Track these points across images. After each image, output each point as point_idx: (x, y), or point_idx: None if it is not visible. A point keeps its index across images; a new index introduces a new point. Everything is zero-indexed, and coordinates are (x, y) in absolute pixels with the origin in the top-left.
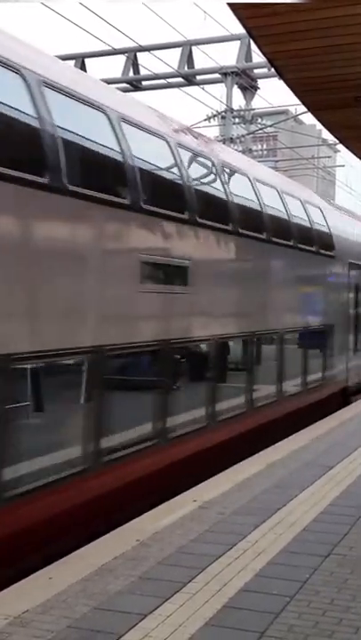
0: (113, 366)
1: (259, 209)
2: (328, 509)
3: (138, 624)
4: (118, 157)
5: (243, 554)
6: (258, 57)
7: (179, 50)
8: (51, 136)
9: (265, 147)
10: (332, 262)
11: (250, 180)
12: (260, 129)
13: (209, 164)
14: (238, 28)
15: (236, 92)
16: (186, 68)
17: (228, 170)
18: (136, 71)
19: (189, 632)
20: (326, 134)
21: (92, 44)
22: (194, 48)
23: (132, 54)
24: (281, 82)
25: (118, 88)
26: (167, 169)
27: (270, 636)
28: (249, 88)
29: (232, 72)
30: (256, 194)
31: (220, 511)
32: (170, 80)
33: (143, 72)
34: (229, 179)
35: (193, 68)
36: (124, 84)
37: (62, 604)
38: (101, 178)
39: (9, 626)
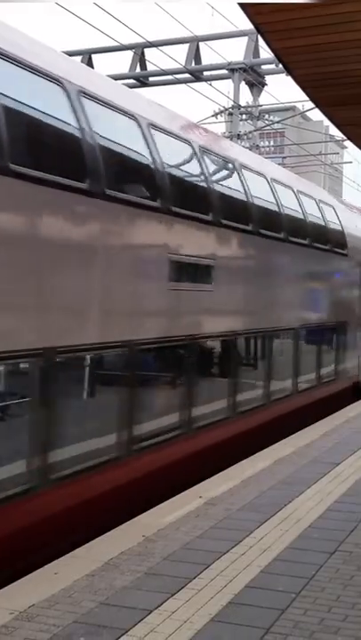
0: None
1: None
2: (334, 506)
3: (143, 619)
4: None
5: (248, 550)
6: (265, 53)
7: (186, 46)
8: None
9: (272, 143)
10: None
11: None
12: (268, 125)
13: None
14: (246, 24)
15: (244, 88)
16: (193, 64)
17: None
18: (143, 67)
19: (195, 628)
20: (334, 131)
21: (99, 40)
22: (201, 44)
23: (139, 50)
24: (289, 78)
25: (125, 84)
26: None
27: (276, 633)
28: (256, 84)
29: (239, 68)
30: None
31: (226, 507)
32: (177, 76)
33: (150, 68)
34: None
35: (200, 64)
36: (131, 80)
37: (68, 599)
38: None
39: (15, 620)
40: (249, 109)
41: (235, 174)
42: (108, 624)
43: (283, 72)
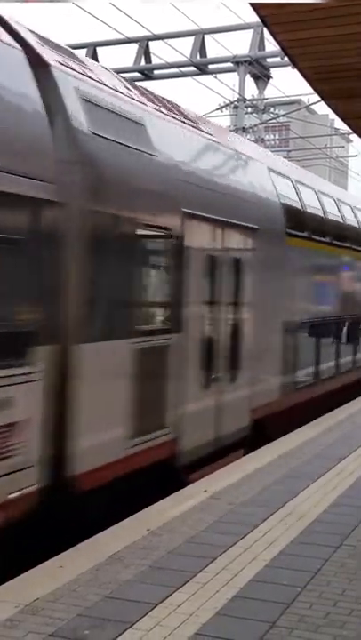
0: None
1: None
2: (339, 501)
3: (149, 613)
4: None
5: (253, 544)
6: (271, 46)
7: (191, 39)
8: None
9: (277, 136)
10: None
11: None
12: (273, 118)
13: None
14: (251, 17)
15: (249, 81)
16: (198, 57)
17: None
18: (148, 60)
19: (200, 621)
20: (339, 124)
21: (103, 33)
22: (206, 37)
23: (144, 43)
24: (294, 71)
25: (130, 77)
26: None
27: (281, 627)
28: (262, 77)
29: (245, 61)
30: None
31: (230, 501)
32: (182, 69)
33: (155, 61)
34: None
35: (205, 57)
36: (136, 73)
37: (73, 592)
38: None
39: (20, 613)
40: (254, 102)
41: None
42: (113, 617)
43: (288, 65)
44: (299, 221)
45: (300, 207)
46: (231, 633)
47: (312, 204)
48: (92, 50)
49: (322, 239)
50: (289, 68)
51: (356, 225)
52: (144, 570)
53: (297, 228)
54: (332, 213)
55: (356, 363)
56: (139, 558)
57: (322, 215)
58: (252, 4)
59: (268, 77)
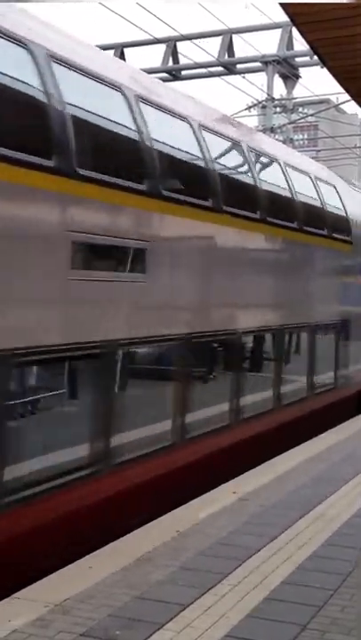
0: None
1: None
2: None
3: (179, 614)
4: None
5: (284, 546)
6: (300, 45)
7: (219, 39)
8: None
9: (306, 136)
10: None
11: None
12: (302, 118)
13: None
14: (280, 16)
15: (278, 80)
16: (226, 57)
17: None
18: (176, 60)
19: (231, 623)
20: None
21: (130, 33)
22: (234, 36)
23: (171, 43)
24: (323, 70)
25: (158, 78)
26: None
27: (313, 629)
28: (290, 76)
29: (273, 60)
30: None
31: (260, 503)
32: (210, 69)
33: (183, 61)
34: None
35: (233, 56)
36: (164, 74)
37: (103, 592)
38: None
39: (50, 613)
40: (283, 102)
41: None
42: (144, 618)
43: (317, 64)
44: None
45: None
46: (262, 635)
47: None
48: (120, 51)
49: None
50: (318, 67)
51: (318, 200)
52: (174, 571)
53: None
54: (263, 179)
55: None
56: (168, 559)
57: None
58: (281, 4)
59: (297, 77)
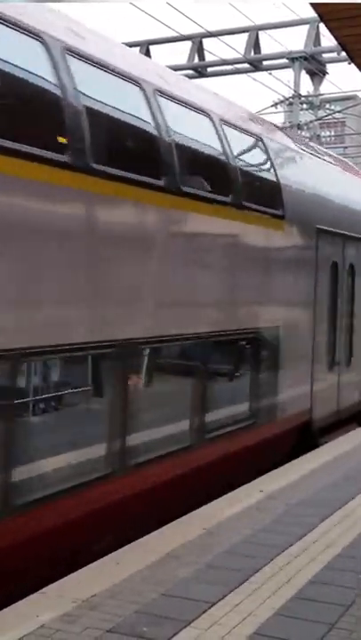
0: None
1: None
2: None
3: (206, 611)
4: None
5: (311, 546)
6: (327, 41)
7: (245, 35)
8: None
9: (333, 133)
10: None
11: None
12: (328, 115)
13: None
14: (307, 12)
15: (304, 77)
16: (252, 54)
17: None
18: (201, 57)
19: (259, 621)
20: None
21: (157, 30)
22: (261, 33)
23: (197, 40)
24: (351, 66)
25: (183, 74)
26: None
27: (341, 628)
28: (317, 73)
29: (300, 57)
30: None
31: (287, 502)
32: (236, 66)
33: (209, 58)
34: None
35: (260, 53)
36: (190, 71)
37: (130, 589)
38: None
39: (78, 609)
40: (309, 99)
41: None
42: (171, 615)
43: (345, 60)
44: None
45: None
46: (290, 633)
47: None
48: (146, 48)
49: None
50: (345, 63)
51: (222, 154)
52: (201, 568)
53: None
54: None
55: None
56: (195, 556)
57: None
58: (309, 1)
59: (324, 73)
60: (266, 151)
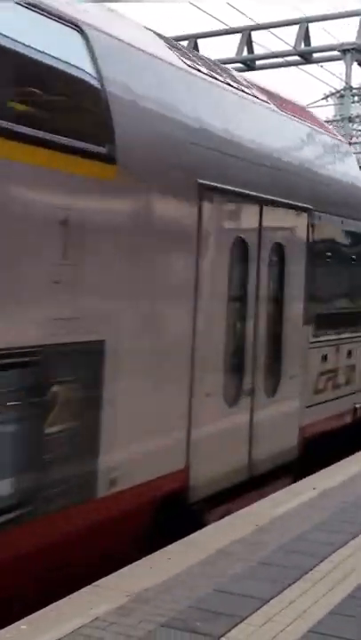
0: None
1: None
2: None
3: (260, 608)
4: None
5: None
6: None
7: (295, 27)
8: None
9: None
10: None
11: None
12: None
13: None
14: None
15: (356, 69)
16: (303, 46)
17: None
18: (250, 50)
19: (314, 619)
20: None
21: (205, 23)
22: (311, 25)
23: (246, 33)
24: None
25: (233, 68)
26: None
27: None
28: None
29: (352, 49)
30: None
31: (341, 500)
32: (286, 58)
33: (258, 51)
34: None
35: (310, 45)
36: (238, 64)
37: (182, 584)
38: None
39: (131, 602)
40: None
41: None
42: (224, 611)
43: None
44: None
45: None
46: (345, 632)
47: None
48: (194, 42)
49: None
50: None
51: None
52: (253, 565)
53: None
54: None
55: None
56: (248, 553)
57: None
58: None
59: None
60: (87, 48)
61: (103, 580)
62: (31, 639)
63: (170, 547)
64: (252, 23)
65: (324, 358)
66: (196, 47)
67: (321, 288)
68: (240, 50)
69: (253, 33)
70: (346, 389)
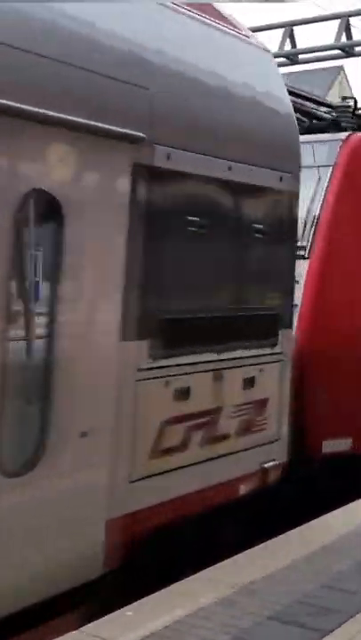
0: None
1: None
2: None
3: None
4: None
5: None
6: None
7: (336, 22)
8: None
9: None
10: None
11: None
12: None
13: None
14: None
15: None
16: (344, 40)
17: None
18: (349, 37)
19: None
20: None
21: (302, 10)
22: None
23: (345, 19)
24: None
25: (329, 55)
26: None
27: None
28: None
29: None
30: None
31: None
32: (329, 52)
33: (357, 37)
34: None
35: (351, 39)
36: (336, 51)
37: (288, 578)
38: None
39: (235, 594)
40: None
41: None
42: (333, 607)
43: None
44: None
45: None
46: None
47: None
48: (290, 30)
49: None
50: None
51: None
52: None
53: None
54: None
55: None
56: (355, 550)
57: None
58: None
59: None
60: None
61: (205, 571)
62: (136, 626)
63: (272, 540)
64: (351, 9)
65: (181, 394)
66: (291, 35)
67: (173, 275)
68: (338, 37)
69: (352, 19)
70: (241, 442)
